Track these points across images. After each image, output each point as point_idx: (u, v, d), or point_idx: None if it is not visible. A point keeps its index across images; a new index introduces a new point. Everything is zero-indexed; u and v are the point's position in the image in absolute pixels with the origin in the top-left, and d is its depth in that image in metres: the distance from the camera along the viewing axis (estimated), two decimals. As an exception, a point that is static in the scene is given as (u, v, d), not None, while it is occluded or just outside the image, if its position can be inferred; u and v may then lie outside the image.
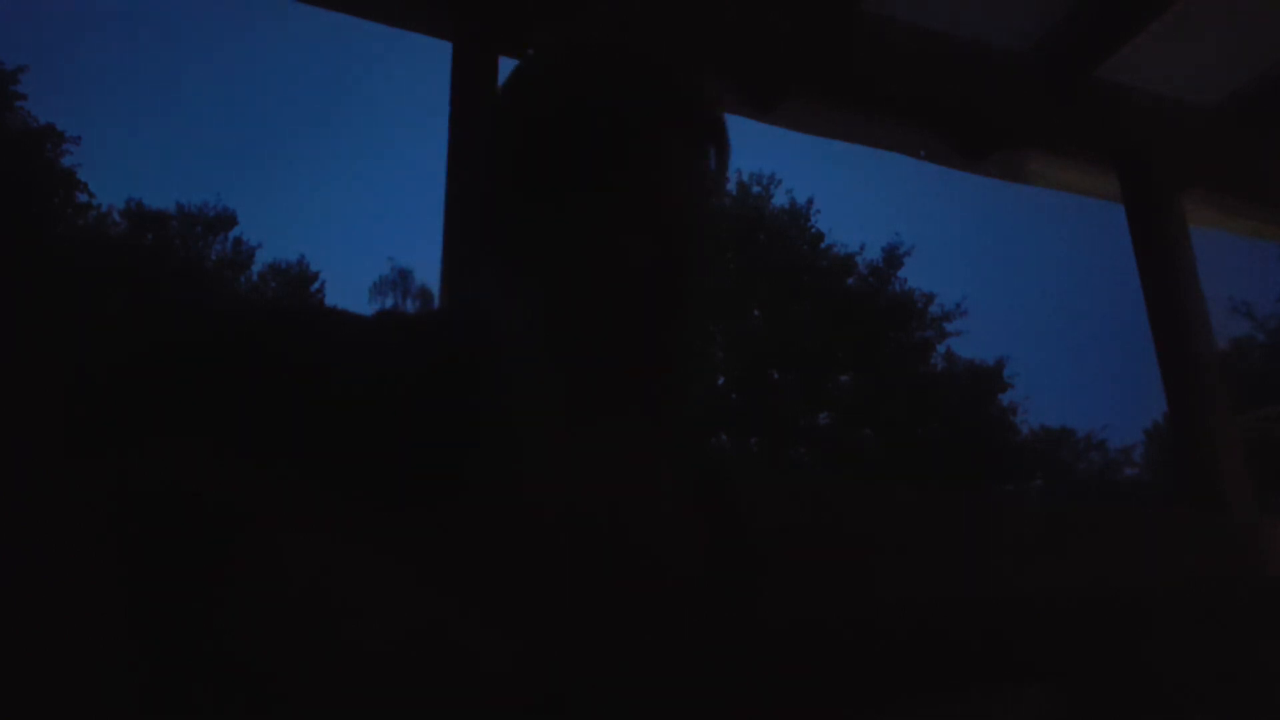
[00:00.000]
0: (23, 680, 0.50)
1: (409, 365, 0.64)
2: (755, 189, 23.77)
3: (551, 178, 0.70)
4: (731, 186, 23.48)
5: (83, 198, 21.38)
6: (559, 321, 0.70)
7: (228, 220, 25.19)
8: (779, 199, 24.01)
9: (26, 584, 0.52)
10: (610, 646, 0.64)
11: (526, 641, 0.59)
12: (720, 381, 21.94)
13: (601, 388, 0.69)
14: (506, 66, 1.43)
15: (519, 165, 0.72)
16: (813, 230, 23.91)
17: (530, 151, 0.72)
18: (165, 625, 0.53)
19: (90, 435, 0.57)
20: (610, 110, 0.70)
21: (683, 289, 0.70)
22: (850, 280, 23.77)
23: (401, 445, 0.59)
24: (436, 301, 1.35)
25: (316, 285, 26.46)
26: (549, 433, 0.67)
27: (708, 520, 0.76)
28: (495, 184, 0.75)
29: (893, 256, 24.12)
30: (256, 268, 25.71)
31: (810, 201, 24.17)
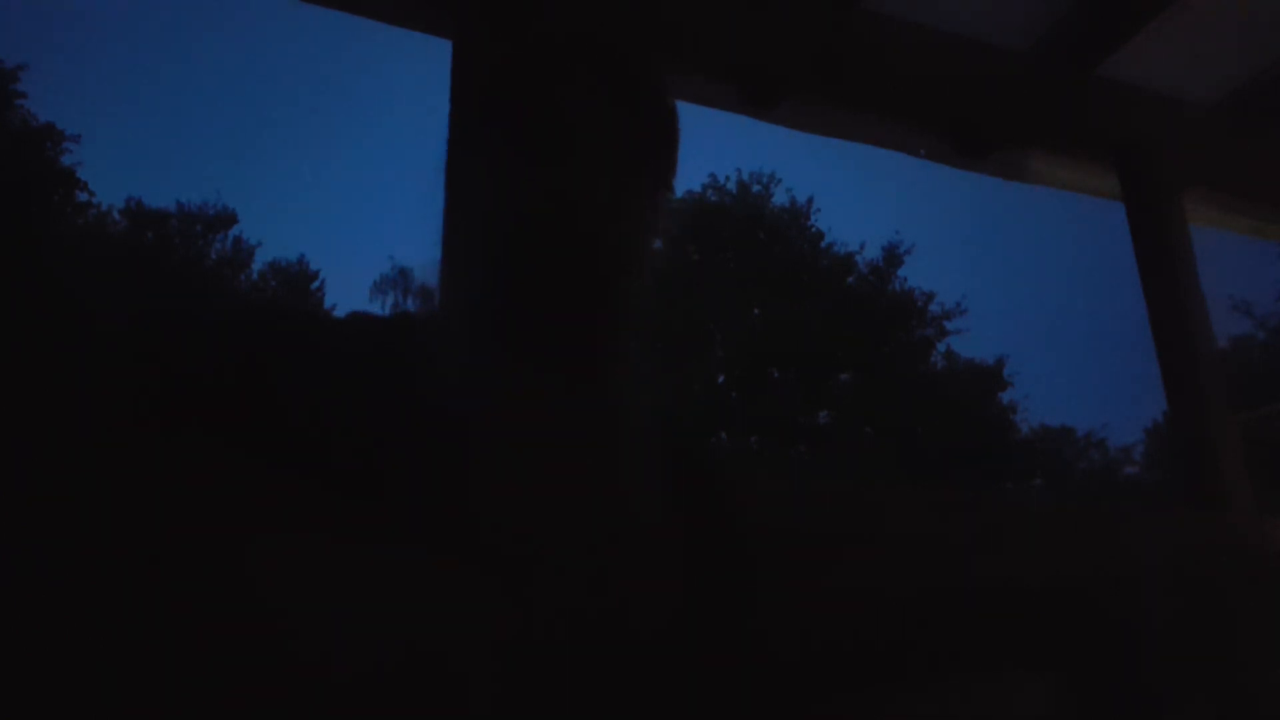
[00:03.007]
0: (25, 679, 0.50)
1: (384, 370, 0.65)
2: (755, 188, 23.75)
3: (497, 135, 0.75)
4: (731, 185, 23.47)
5: (83, 196, 21.39)
6: (493, 273, 0.72)
7: (228, 219, 25.18)
8: (779, 198, 23.99)
9: (28, 586, 0.52)
10: (590, 648, 0.63)
11: (507, 645, 0.59)
12: (720, 381, 21.94)
13: (532, 334, 0.70)
14: (506, 66, 1.43)
15: (477, 125, 0.78)
16: (813, 229, 23.89)
17: (484, 115, 0.77)
18: (166, 626, 0.53)
19: (90, 439, 0.57)
20: (554, 79, 0.74)
21: (606, 245, 0.72)
22: (850, 279, 23.74)
23: (371, 448, 0.59)
24: (437, 300, 1.35)
25: (316, 284, 26.47)
26: (505, 428, 0.68)
27: (686, 517, 0.75)
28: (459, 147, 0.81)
29: (893, 255, 24.09)
30: (256, 266, 25.72)
31: (810, 200, 24.14)
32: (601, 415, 0.74)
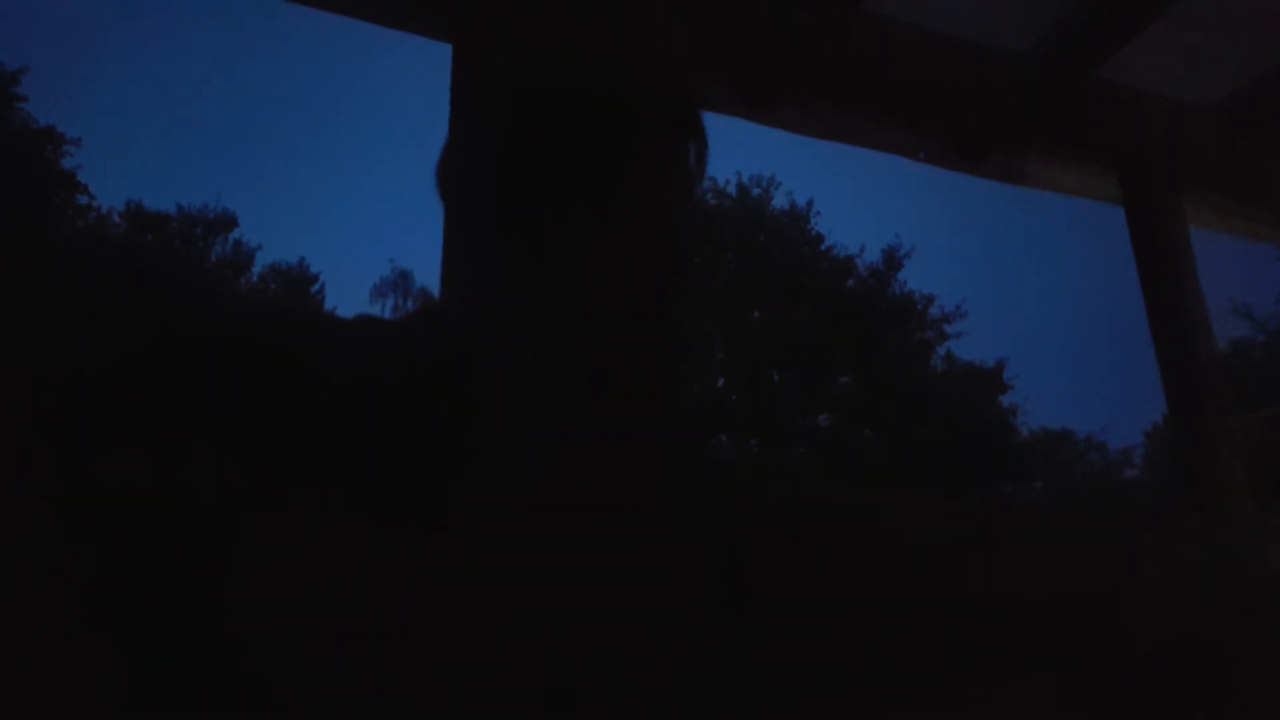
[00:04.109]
0: (19, 681, 0.50)
1: (402, 370, 0.64)
2: (755, 191, 23.78)
3: (544, 176, 0.71)
4: (732, 188, 23.51)
5: (83, 199, 21.40)
6: (548, 318, 0.70)
7: (228, 222, 25.22)
8: (779, 201, 24.03)
9: (23, 584, 0.52)
10: (610, 644, 0.64)
11: (528, 638, 0.59)
12: (720, 383, 21.94)
13: (589, 384, 0.69)
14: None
15: (513, 164, 0.73)
16: (813, 232, 23.93)
17: (523, 151, 0.72)
18: (164, 625, 0.53)
19: (88, 433, 0.56)
20: (598, 109, 0.71)
21: (671, 287, 0.70)
22: (850, 282, 23.79)
23: (393, 450, 0.59)
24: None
25: (316, 287, 26.49)
26: (538, 435, 0.67)
27: (697, 518, 0.75)
28: (489, 183, 0.75)
29: (892, 258, 24.15)
30: (257, 269, 25.76)
31: (810, 203, 24.19)
32: (644, 426, 0.74)
